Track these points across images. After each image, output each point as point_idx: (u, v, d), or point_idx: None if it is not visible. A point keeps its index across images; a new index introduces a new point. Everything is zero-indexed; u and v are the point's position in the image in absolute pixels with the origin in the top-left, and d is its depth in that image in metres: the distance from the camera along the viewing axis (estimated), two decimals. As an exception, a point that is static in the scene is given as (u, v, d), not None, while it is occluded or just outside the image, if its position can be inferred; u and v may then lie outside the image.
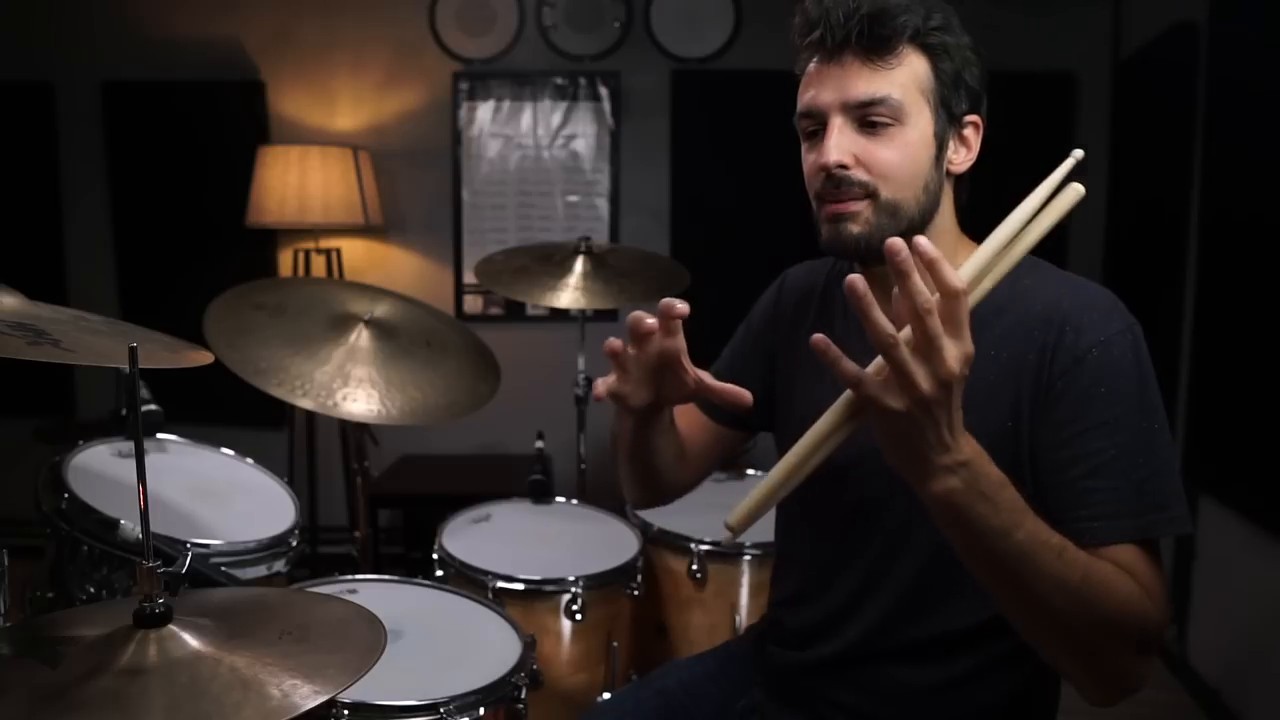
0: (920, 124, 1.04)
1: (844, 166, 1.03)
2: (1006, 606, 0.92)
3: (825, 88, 1.05)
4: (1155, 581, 0.94)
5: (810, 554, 1.23)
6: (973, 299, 0.83)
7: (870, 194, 1.04)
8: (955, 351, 0.78)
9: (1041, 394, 1.00)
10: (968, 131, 1.09)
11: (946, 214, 1.10)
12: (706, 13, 3.50)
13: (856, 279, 0.77)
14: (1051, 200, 0.88)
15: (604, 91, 3.59)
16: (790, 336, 1.28)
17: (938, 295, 0.78)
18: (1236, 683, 2.48)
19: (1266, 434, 2.29)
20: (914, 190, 1.05)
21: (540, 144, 3.63)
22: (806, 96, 1.07)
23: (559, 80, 3.59)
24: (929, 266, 0.77)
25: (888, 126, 1.03)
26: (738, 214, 3.49)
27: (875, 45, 1.02)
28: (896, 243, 0.77)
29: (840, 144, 1.03)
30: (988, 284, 0.86)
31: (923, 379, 0.78)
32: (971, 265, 0.85)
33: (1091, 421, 0.97)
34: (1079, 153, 0.87)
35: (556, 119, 3.61)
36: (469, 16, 3.56)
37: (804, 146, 1.11)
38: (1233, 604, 2.55)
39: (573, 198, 3.64)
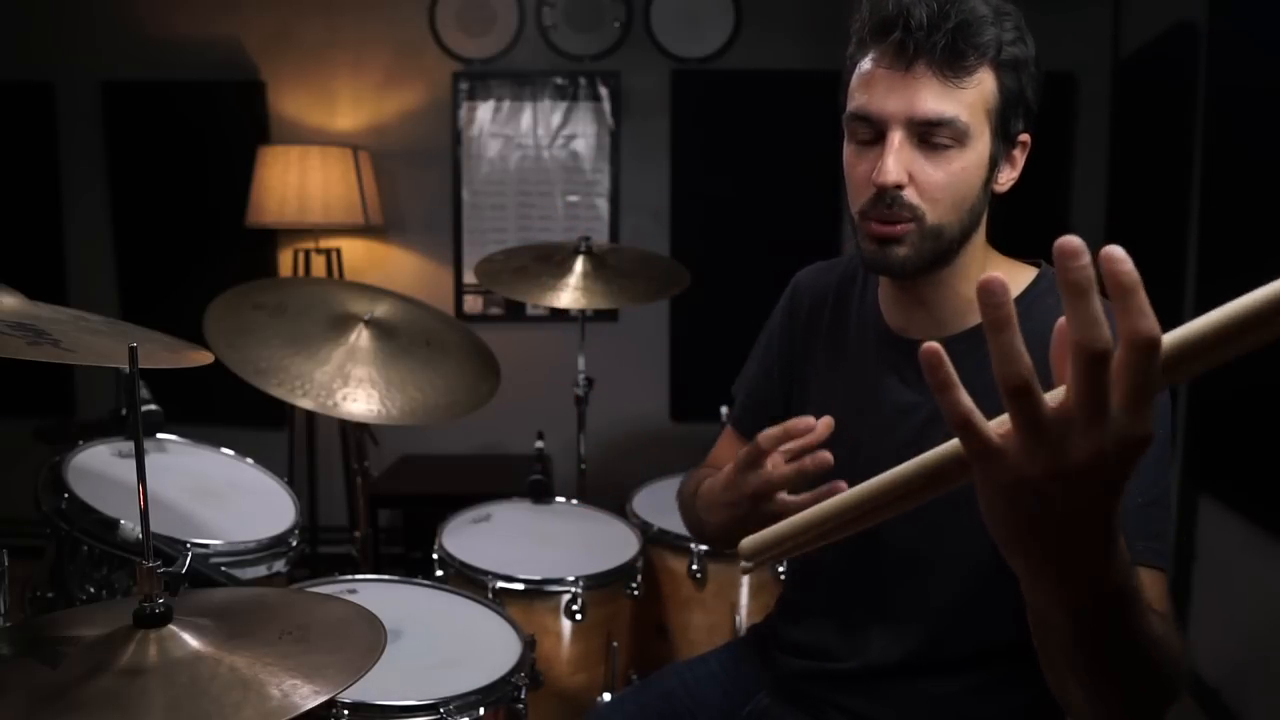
0: (979, 147, 0.99)
1: (900, 187, 0.98)
2: (1061, 672, 0.76)
3: (891, 96, 0.97)
4: (1170, 607, 0.89)
5: (825, 568, 1.20)
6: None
7: (917, 217, 0.99)
8: (1125, 424, 0.54)
9: None
10: (1017, 151, 1.05)
11: (981, 231, 1.07)
12: (706, 13, 3.50)
13: (931, 349, 0.57)
14: None
15: (604, 91, 3.59)
16: (807, 342, 1.26)
17: (1120, 342, 0.54)
18: (1236, 683, 2.48)
19: (1266, 434, 2.29)
20: (959, 214, 1.01)
21: (540, 144, 3.63)
22: (865, 99, 0.99)
23: (559, 80, 3.59)
24: (1122, 295, 0.53)
25: (948, 149, 0.98)
26: (738, 214, 3.49)
27: (955, 61, 0.95)
28: (927, 352, 0.56)
29: (899, 162, 0.97)
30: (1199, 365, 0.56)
31: (1074, 445, 0.55)
32: (1194, 326, 0.55)
33: None
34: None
35: (556, 119, 3.61)
36: (469, 16, 3.56)
37: (849, 148, 1.04)
38: (1233, 604, 2.55)
39: (573, 198, 3.64)
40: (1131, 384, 0.53)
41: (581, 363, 2.35)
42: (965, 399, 0.57)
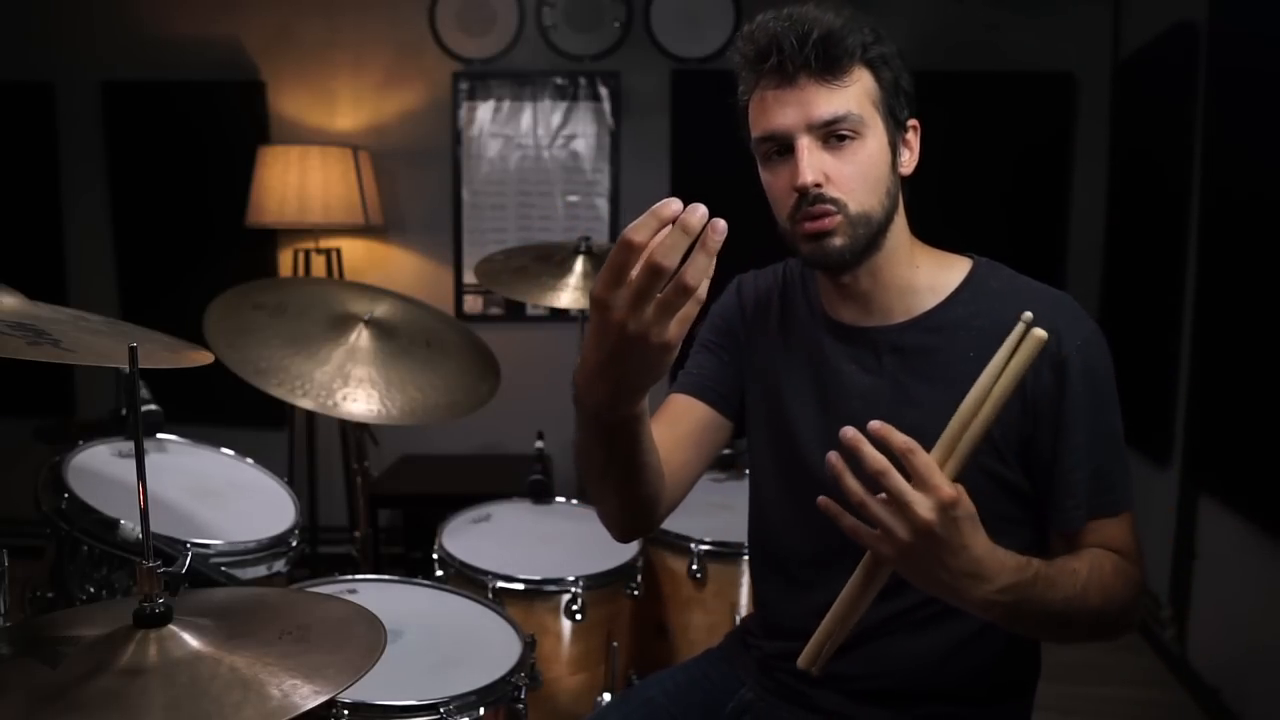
0: (877, 134, 1.09)
1: (819, 185, 1.07)
2: (1038, 637, 1.13)
3: (787, 111, 1.08)
4: (1137, 544, 1.10)
5: (792, 544, 1.24)
6: (958, 459, 0.91)
7: (841, 208, 1.08)
8: (926, 502, 0.86)
9: (1033, 400, 1.08)
10: (910, 135, 1.15)
11: (901, 215, 1.16)
12: (706, 13, 3.50)
13: (834, 459, 0.89)
14: (1013, 357, 0.89)
15: (604, 91, 3.59)
16: (751, 343, 1.30)
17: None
18: (1236, 683, 2.48)
19: (1266, 434, 2.29)
20: (878, 197, 1.10)
21: (540, 144, 3.63)
22: (766, 121, 1.10)
23: (559, 80, 3.59)
24: (891, 446, 0.87)
25: (851, 141, 1.08)
26: (737, 214, 3.44)
27: (830, 66, 1.06)
28: (831, 457, 0.90)
29: (812, 163, 1.07)
30: (965, 447, 0.91)
31: (901, 530, 0.88)
32: (945, 437, 0.91)
33: (1078, 418, 1.07)
34: (1028, 315, 0.89)
35: (556, 119, 3.61)
36: (469, 16, 3.56)
37: (764, 169, 1.15)
38: (1233, 604, 2.55)
39: (573, 198, 3.64)
40: (919, 475, 0.87)
41: (581, 363, 2.35)
42: (854, 523, 0.92)
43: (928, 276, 1.16)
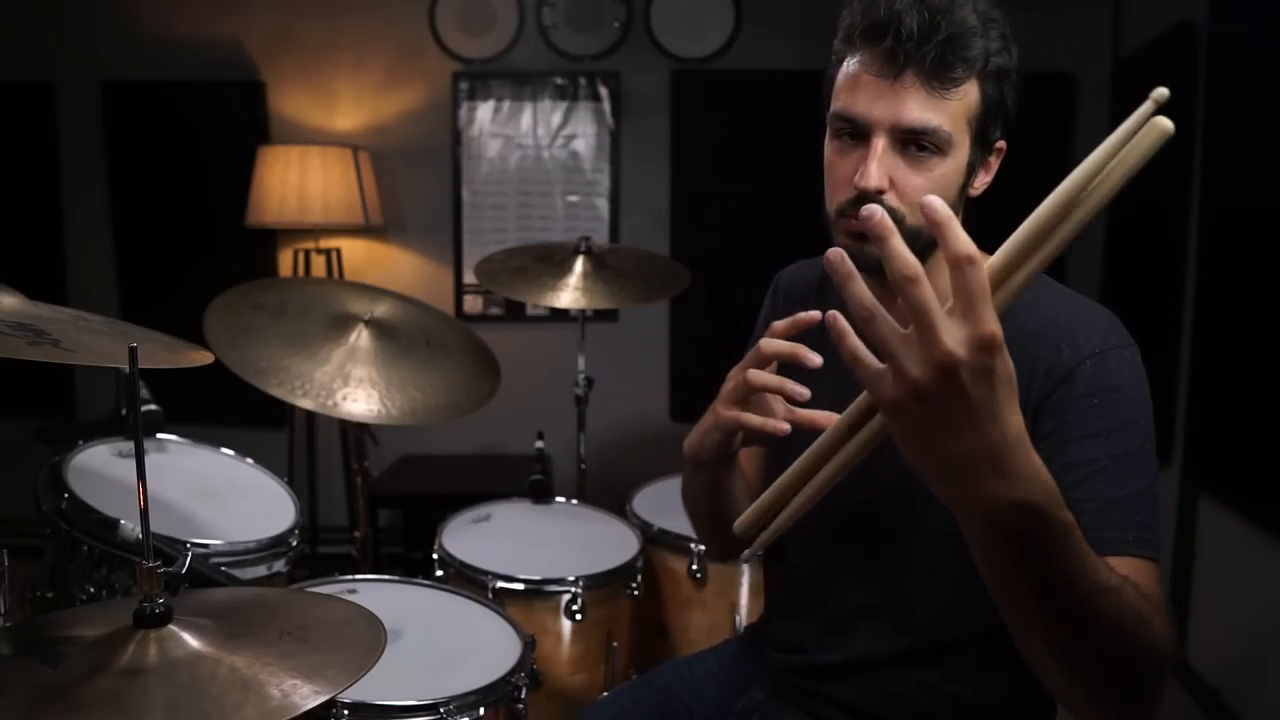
0: (959, 155, 1.00)
1: (881, 191, 0.98)
2: (1030, 640, 0.81)
3: (877, 102, 0.98)
4: (1161, 597, 0.88)
5: (801, 559, 1.22)
6: (1024, 274, 0.68)
7: (897, 220, 0.99)
8: (957, 332, 0.63)
9: (1034, 406, 0.97)
10: (993, 157, 1.06)
11: None
12: (706, 13, 3.50)
13: (835, 252, 0.68)
14: (1127, 145, 0.66)
15: (604, 91, 3.59)
16: (792, 337, 1.27)
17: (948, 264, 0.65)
18: (1236, 683, 2.48)
19: (1266, 434, 2.29)
20: None
21: (540, 144, 3.63)
22: (851, 101, 1.00)
23: (559, 80, 3.59)
24: (935, 228, 0.65)
25: (931, 155, 0.99)
26: (738, 214, 3.49)
27: (943, 73, 0.96)
28: (869, 208, 0.67)
29: (882, 168, 0.98)
30: (1050, 249, 0.68)
31: (912, 363, 0.65)
32: (1011, 246, 0.68)
33: (1084, 431, 0.94)
34: (1163, 91, 0.64)
35: (556, 119, 3.61)
36: (469, 16, 3.56)
37: (831, 145, 1.05)
38: (1233, 604, 2.55)
39: (573, 198, 3.64)
40: (964, 295, 0.63)
41: (581, 363, 2.35)
42: (856, 343, 0.69)
43: None
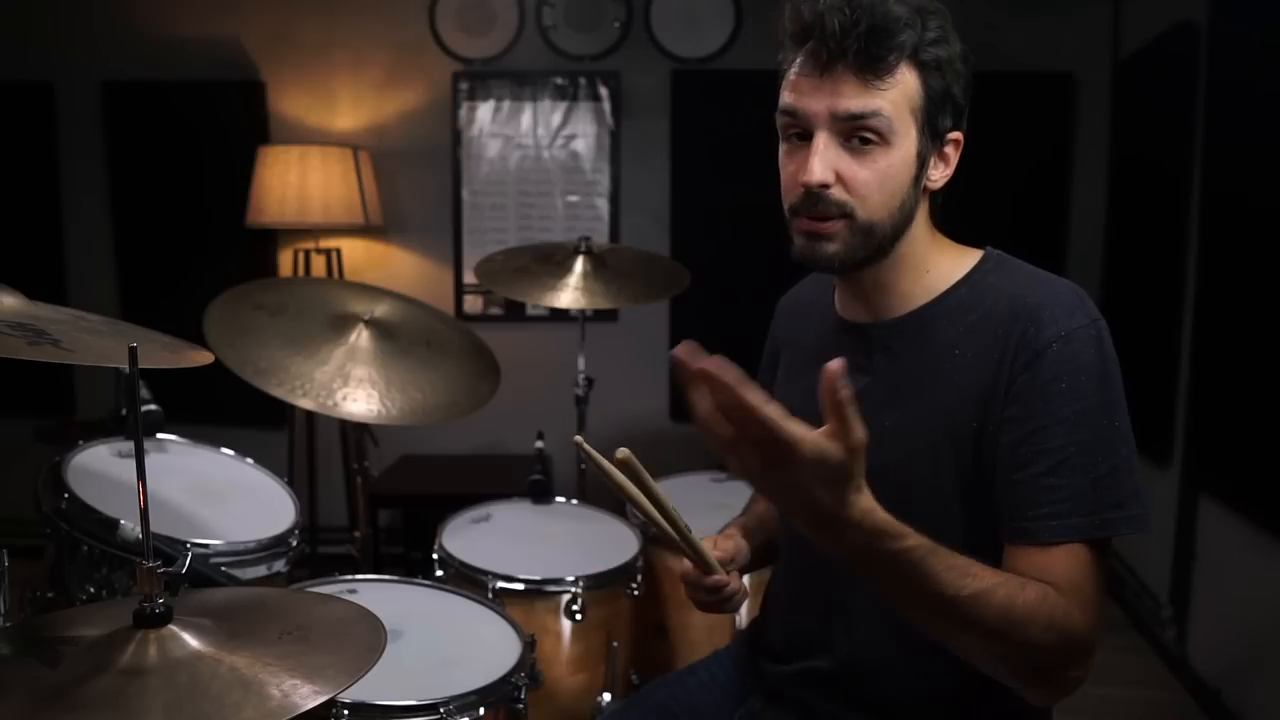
0: (905, 144, 1.01)
1: (825, 186, 1.00)
2: (939, 638, 0.94)
3: (813, 96, 1.00)
4: (1089, 587, 0.94)
5: (795, 560, 1.22)
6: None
7: (847, 214, 1.02)
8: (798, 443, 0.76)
9: (1003, 390, 0.99)
10: (948, 149, 1.07)
11: (920, 224, 1.08)
12: (706, 13, 3.50)
13: (683, 349, 0.76)
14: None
15: (604, 91, 3.59)
16: (785, 351, 1.31)
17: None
18: (1236, 683, 2.48)
19: (1267, 434, 2.29)
20: (889, 210, 1.03)
21: (540, 144, 3.63)
22: (793, 97, 1.03)
23: (559, 80, 3.59)
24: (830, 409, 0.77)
25: (874, 145, 1.00)
26: (738, 214, 3.47)
27: (871, 62, 0.98)
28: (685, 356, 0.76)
29: (824, 162, 1.00)
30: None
31: (749, 459, 0.78)
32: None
33: (1051, 418, 0.96)
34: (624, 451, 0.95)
35: (556, 119, 3.61)
36: (469, 16, 3.56)
37: (783, 147, 1.08)
38: (1233, 604, 2.55)
39: (573, 198, 3.64)
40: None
41: (581, 363, 2.35)
42: (706, 421, 0.78)
43: (935, 278, 1.09)
